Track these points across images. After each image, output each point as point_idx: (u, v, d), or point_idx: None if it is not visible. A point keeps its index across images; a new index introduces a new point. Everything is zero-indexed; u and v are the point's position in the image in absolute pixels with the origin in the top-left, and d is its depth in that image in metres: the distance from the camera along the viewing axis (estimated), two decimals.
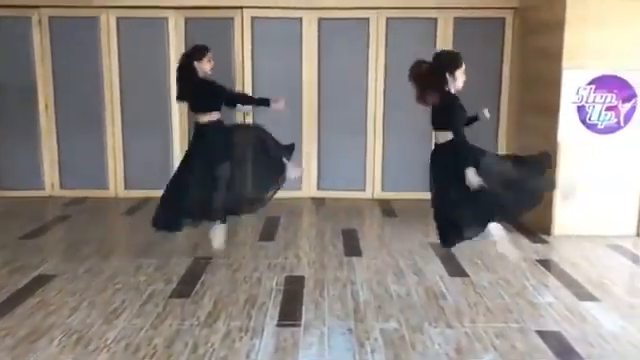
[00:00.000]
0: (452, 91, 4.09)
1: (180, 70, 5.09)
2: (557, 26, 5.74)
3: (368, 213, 6.89)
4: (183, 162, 5.17)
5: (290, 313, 3.99)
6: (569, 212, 5.82)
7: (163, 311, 4.01)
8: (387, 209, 6.99)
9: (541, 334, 3.70)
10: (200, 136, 5.07)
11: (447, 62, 4.04)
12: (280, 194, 5.31)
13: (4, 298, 4.20)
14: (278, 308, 4.08)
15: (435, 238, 5.68)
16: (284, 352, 3.45)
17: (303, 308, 4.08)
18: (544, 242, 5.68)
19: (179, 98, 5.32)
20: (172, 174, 5.34)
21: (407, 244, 5.58)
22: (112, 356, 3.37)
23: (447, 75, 4.00)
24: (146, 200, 7.26)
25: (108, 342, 3.54)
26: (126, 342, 3.54)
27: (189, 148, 5.27)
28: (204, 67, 5.01)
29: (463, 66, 4.07)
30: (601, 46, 5.61)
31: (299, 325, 3.81)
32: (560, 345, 3.56)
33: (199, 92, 5.01)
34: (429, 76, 4.06)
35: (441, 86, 4.07)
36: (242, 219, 6.01)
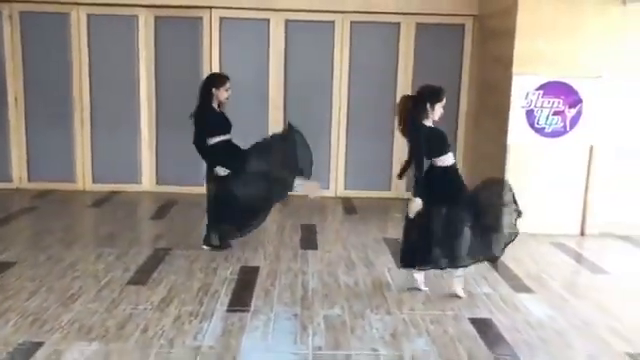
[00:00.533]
0: (429, 122, 4.26)
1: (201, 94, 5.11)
2: (509, 34, 6.03)
3: (330, 210, 7.09)
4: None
5: (240, 300, 4.20)
6: None
7: (118, 296, 4.18)
8: (348, 206, 7.23)
9: (473, 321, 3.95)
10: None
11: (429, 94, 4.26)
12: None
13: None
14: (230, 295, 4.28)
15: (389, 233, 6.00)
16: (230, 334, 3.65)
17: (254, 295, 4.29)
18: None
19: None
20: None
21: (362, 239, 5.82)
22: (65, 336, 3.54)
23: (427, 106, 4.21)
24: (113, 193, 7.43)
25: (62, 324, 3.70)
26: (80, 324, 3.71)
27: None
28: (220, 95, 5.08)
29: (444, 101, 4.26)
30: (549, 54, 5.91)
31: (248, 311, 4.01)
32: (489, 331, 3.82)
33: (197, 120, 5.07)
34: (411, 108, 4.26)
35: (417, 117, 4.23)
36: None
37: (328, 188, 7.71)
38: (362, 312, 4.05)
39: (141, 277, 4.58)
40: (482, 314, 4.08)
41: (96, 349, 3.40)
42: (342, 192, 7.72)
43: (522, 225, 5.96)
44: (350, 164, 7.69)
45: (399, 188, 7.45)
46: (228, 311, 4.00)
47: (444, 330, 3.81)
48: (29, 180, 7.60)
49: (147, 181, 7.66)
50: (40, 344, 3.42)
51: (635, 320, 4.09)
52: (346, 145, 7.64)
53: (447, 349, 3.56)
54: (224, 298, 4.22)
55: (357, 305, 4.16)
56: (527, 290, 4.58)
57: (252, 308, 4.06)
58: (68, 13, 7.30)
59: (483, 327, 3.87)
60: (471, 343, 3.65)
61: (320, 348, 3.51)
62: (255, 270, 4.82)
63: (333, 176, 7.72)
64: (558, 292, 4.59)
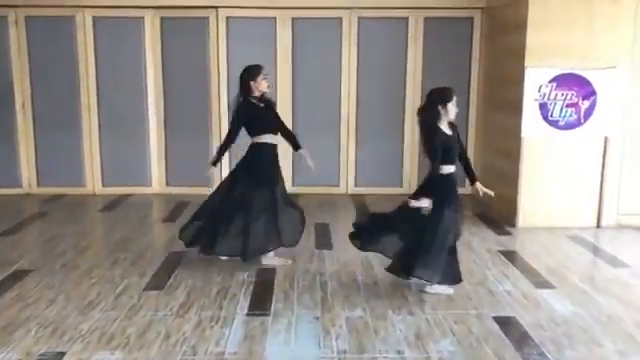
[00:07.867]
0: (444, 123, 4.23)
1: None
2: (520, 26, 5.96)
3: (341, 208, 7.05)
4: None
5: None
6: (532, 205, 6.07)
7: None
8: (359, 203, 7.19)
9: (497, 320, 3.91)
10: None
11: (438, 97, 4.24)
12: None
13: None
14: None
15: None
16: None
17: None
18: (508, 234, 5.92)
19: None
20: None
21: None
22: None
23: (440, 109, 4.20)
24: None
25: None
26: None
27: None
28: (260, 86, 4.70)
29: (454, 99, 4.23)
30: (563, 46, 5.85)
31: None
32: (515, 330, 3.78)
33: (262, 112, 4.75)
34: (425, 113, 4.26)
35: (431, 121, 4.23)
36: None
37: (338, 186, 7.69)
38: (384, 314, 4.02)
39: None
40: (505, 312, 4.05)
41: None
42: (353, 189, 7.69)
43: (538, 219, 6.05)
44: (360, 161, 7.64)
45: (412, 184, 7.44)
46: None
47: (469, 330, 3.77)
48: None
49: (156, 184, 7.66)
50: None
51: None
52: (355, 142, 7.59)
53: (474, 350, 3.52)
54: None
55: (379, 307, 4.13)
56: (548, 286, 4.54)
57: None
58: (73, 16, 7.27)
59: (508, 326, 3.83)
60: (497, 343, 3.61)
61: (345, 352, 3.48)
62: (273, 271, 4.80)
63: (343, 173, 7.68)
64: (579, 287, 4.54)
